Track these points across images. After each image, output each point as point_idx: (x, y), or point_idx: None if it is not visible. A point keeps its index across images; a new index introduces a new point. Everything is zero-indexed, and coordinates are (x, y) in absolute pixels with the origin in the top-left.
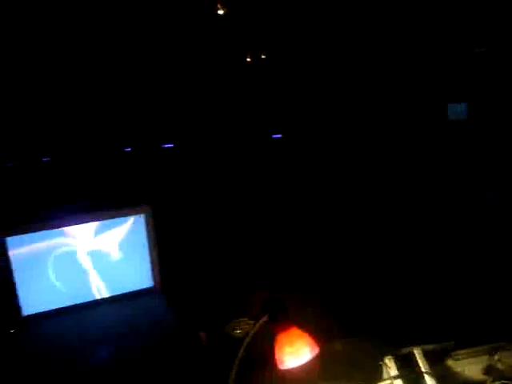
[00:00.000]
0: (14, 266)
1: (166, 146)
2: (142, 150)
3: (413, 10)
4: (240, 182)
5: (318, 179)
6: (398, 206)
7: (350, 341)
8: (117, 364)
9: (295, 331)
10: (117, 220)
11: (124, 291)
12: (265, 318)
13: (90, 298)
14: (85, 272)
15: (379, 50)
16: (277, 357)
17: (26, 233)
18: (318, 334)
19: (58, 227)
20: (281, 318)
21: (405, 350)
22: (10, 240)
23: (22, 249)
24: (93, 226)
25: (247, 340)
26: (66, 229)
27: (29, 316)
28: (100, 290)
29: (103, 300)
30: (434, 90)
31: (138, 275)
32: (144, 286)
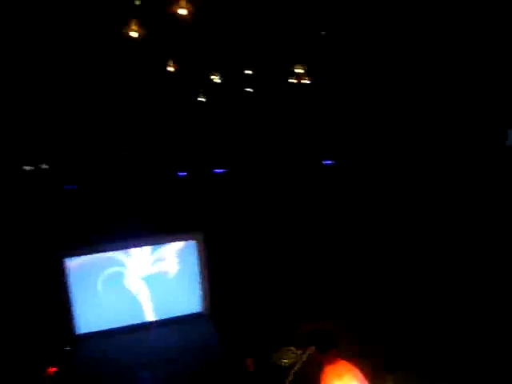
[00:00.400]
0: (71, 285)
1: (218, 171)
2: (196, 175)
3: (470, 34)
4: (287, 209)
5: (367, 207)
6: (455, 237)
7: (400, 374)
8: None
9: (344, 364)
10: (169, 245)
11: (174, 315)
12: (312, 349)
13: (140, 320)
14: (136, 294)
15: (436, 75)
16: None
17: (83, 254)
18: (366, 366)
19: (113, 250)
20: (329, 351)
21: None
22: (68, 260)
23: (78, 269)
24: (146, 250)
25: (294, 370)
26: (120, 251)
27: (82, 334)
28: (150, 313)
29: (153, 323)
30: (493, 115)
31: (188, 300)
32: (193, 311)
